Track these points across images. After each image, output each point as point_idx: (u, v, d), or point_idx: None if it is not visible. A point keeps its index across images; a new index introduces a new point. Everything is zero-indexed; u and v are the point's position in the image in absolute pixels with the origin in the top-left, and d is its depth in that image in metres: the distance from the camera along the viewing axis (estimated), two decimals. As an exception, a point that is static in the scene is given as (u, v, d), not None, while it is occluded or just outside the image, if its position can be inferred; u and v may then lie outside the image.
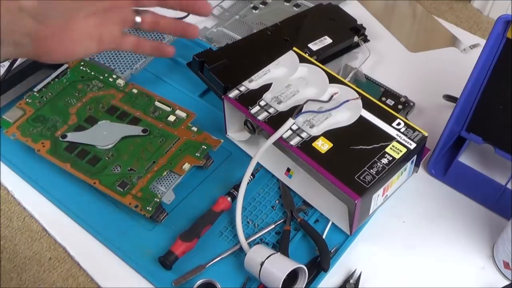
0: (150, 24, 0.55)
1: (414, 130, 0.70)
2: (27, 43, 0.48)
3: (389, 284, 0.68)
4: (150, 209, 0.68)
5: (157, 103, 0.80)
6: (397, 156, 0.67)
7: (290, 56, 0.79)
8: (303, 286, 0.65)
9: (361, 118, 0.71)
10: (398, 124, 0.71)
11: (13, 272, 0.69)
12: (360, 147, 0.68)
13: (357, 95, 0.74)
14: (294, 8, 1.02)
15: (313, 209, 0.73)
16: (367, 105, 0.73)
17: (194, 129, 0.76)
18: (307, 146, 0.68)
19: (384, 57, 0.96)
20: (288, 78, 0.76)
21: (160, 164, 0.72)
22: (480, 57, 0.68)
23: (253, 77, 0.76)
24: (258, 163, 0.72)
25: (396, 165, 0.67)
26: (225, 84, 0.80)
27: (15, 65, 0.81)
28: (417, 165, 0.74)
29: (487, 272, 0.70)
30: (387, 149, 0.68)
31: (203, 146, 0.74)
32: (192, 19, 0.99)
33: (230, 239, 0.71)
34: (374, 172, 0.66)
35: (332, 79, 0.76)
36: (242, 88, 0.75)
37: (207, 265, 0.67)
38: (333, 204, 0.70)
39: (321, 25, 0.93)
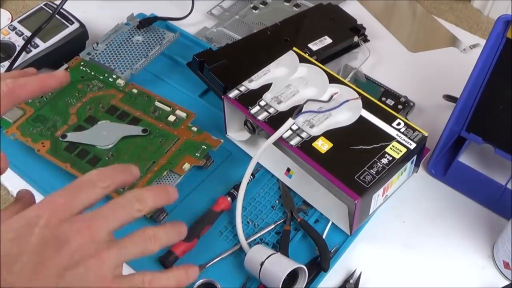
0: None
1: (414, 130, 0.70)
2: None
3: (389, 284, 0.68)
4: (150, 209, 0.68)
5: (157, 103, 0.80)
6: (397, 156, 0.67)
7: (290, 56, 0.79)
8: (303, 286, 0.65)
9: (361, 118, 0.71)
10: (398, 124, 0.71)
11: (13, 272, 0.69)
12: (360, 147, 0.68)
13: (357, 95, 0.74)
14: (294, 8, 1.02)
15: (313, 209, 0.73)
16: (367, 105, 0.73)
17: (194, 129, 0.76)
18: (307, 146, 0.68)
19: (384, 57, 0.96)
20: (288, 78, 0.76)
21: (160, 164, 0.72)
22: (480, 57, 0.68)
23: (253, 77, 0.76)
24: (258, 163, 0.72)
25: (396, 165, 0.67)
26: (225, 84, 0.80)
27: (15, 65, 0.81)
28: (417, 165, 0.74)
29: (487, 272, 0.70)
30: (387, 149, 0.68)
31: (203, 146, 0.74)
32: (192, 19, 1.00)
33: (230, 239, 0.71)
34: (374, 172, 0.66)
35: (332, 79, 0.76)
36: (242, 88, 0.75)
37: (207, 265, 0.67)
38: (333, 204, 0.70)
39: (321, 25, 0.93)
